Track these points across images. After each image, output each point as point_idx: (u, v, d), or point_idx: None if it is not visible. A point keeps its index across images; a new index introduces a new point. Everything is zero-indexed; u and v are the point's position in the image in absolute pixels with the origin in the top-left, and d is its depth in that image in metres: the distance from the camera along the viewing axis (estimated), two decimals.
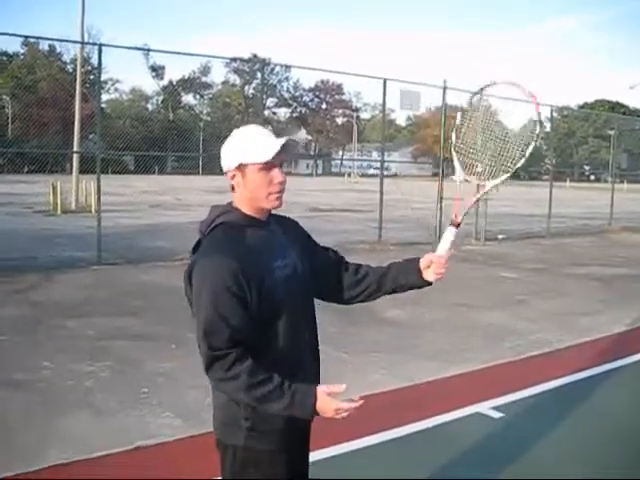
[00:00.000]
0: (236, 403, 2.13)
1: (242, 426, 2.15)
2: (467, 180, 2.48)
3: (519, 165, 2.39)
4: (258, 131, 2.16)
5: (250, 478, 2.19)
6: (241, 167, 2.12)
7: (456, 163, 2.51)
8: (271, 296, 2.09)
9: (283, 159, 2.14)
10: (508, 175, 2.40)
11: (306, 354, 2.28)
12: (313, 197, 29.28)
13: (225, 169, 2.17)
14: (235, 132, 2.18)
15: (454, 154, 2.52)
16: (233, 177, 2.15)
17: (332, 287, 2.39)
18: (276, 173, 2.12)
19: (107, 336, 6.65)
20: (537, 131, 2.40)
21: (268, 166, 2.10)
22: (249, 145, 2.11)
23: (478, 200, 2.43)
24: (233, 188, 2.18)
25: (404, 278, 2.38)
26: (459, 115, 2.56)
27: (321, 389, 2.05)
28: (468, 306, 8.66)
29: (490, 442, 4.43)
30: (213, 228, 2.15)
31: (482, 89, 2.54)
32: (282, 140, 2.10)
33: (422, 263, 2.35)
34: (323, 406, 2.04)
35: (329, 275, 2.40)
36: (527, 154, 2.38)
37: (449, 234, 2.38)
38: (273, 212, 2.30)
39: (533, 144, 2.38)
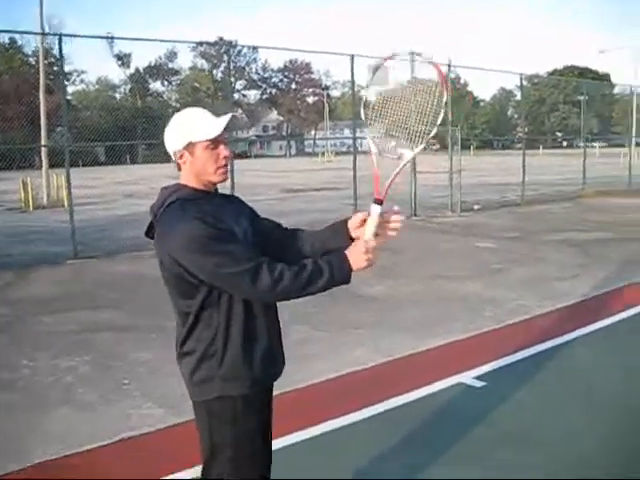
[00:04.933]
0: (210, 356, 2.25)
1: (217, 376, 2.26)
2: (384, 154, 2.39)
3: (434, 131, 2.29)
4: (199, 112, 2.30)
5: (225, 427, 2.31)
6: (189, 146, 2.25)
7: (369, 139, 2.42)
8: None
9: (225, 136, 2.28)
10: (428, 138, 2.31)
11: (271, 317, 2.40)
12: (288, 178, 29.17)
13: (172, 150, 2.29)
14: (177, 116, 2.30)
15: (366, 131, 2.45)
16: (181, 157, 2.27)
17: (275, 249, 2.41)
18: (222, 149, 2.27)
19: (86, 330, 6.60)
20: (444, 97, 2.32)
21: (215, 143, 2.25)
22: (196, 125, 2.24)
23: (398, 173, 2.32)
24: (179, 168, 2.31)
25: (333, 243, 2.39)
26: (366, 92, 2.51)
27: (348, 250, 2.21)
28: (446, 277, 8.71)
29: (474, 411, 4.46)
30: (169, 205, 2.25)
31: (384, 60, 2.47)
32: (227, 117, 2.26)
33: (350, 224, 2.36)
34: (355, 259, 2.19)
35: (270, 239, 2.47)
36: (439, 119, 2.30)
37: (374, 214, 2.24)
38: (219, 191, 2.42)
39: (442, 111, 2.30)
